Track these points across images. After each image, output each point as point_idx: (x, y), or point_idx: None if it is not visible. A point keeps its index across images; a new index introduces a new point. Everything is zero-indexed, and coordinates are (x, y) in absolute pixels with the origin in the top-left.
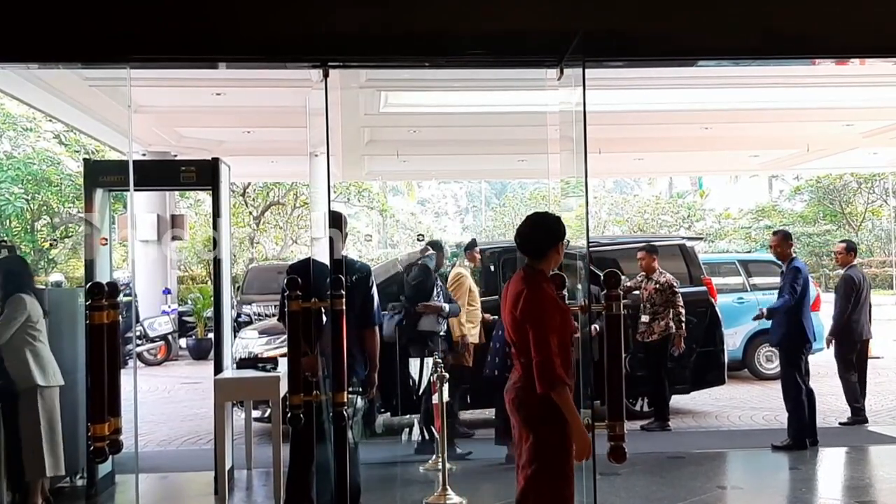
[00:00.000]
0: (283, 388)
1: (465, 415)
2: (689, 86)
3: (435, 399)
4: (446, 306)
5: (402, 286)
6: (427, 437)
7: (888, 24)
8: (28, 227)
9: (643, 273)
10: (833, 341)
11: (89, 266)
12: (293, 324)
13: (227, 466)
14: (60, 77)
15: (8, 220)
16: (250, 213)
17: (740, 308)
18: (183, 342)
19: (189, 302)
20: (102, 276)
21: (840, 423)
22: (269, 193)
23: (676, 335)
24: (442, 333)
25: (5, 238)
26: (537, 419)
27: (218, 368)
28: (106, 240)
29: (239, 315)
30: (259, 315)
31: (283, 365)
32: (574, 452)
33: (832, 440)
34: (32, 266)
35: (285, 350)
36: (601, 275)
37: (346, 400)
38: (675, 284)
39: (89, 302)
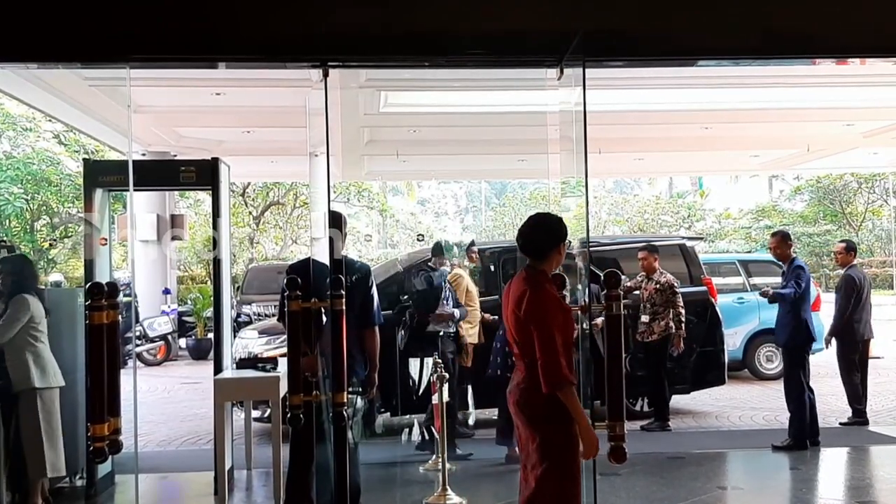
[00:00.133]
0: (283, 388)
1: (464, 415)
2: (689, 86)
3: (435, 399)
4: (456, 312)
5: (402, 286)
6: (428, 436)
7: (888, 23)
8: (27, 227)
9: (643, 273)
10: (833, 341)
11: (89, 266)
12: (293, 324)
13: (227, 467)
14: (60, 77)
15: (7, 220)
16: (250, 213)
17: (740, 308)
18: (182, 342)
19: (189, 302)
20: (102, 277)
21: (840, 424)
22: (269, 193)
23: (676, 335)
24: (451, 334)
25: (5, 238)
26: (542, 419)
27: (218, 368)
28: (105, 240)
29: (239, 315)
30: (259, 315)
31: (282, 365)
32: (582, 451)
33: (833, 440)
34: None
35: (285, 350)
36: (601, 275)
37: (345, 400)
38: (675, 284)
39: (89, 302)
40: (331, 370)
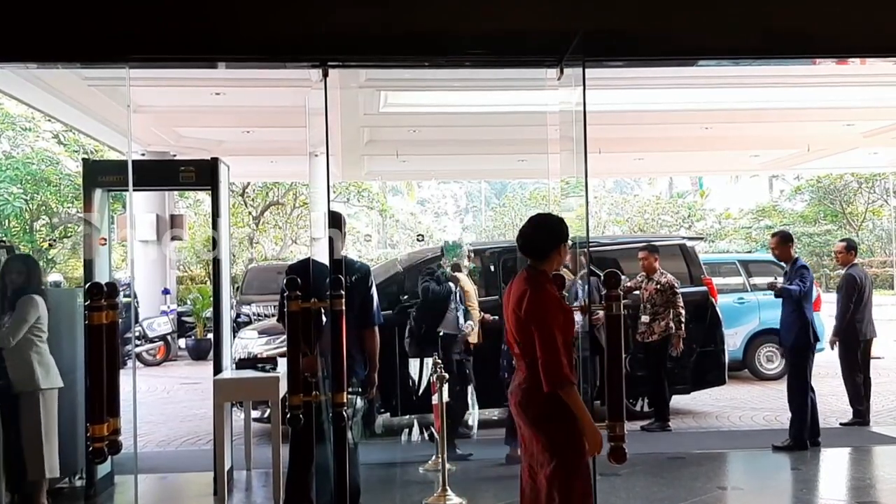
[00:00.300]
0: (283, 388)
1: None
2: (690, 86)
3: (435, 399)
4: (468, 326)
5: (403, 286)
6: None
7: (888, 23)
8: (27, 227)
9: (643, 273)
10: (837, 342)
11: (88, 266)
12: (293, 324)
13: (227, 467)
14: (59, 77)
15: (7, 220)
16: (250, 213)
17: (741, 308)
18: (182, 342)
19: (188, 302)
20: (101, 277)
21: (841, 424)
22: (269, 193)
23: (676, 336)
24: (457, 336)
25: (4, 238)
26: (544, 418)
27: (217, 369)
28: (105, 240)
29: (238, 315)
30: (258, 315)
31: (282, 365)
32: (586, 448)
33: (833, 441)
34: None
35: (285, 350)
36: (601, 275)
37: (345, 400)
38: (675, 285)
39: (88, 302)
40: (330, 370)
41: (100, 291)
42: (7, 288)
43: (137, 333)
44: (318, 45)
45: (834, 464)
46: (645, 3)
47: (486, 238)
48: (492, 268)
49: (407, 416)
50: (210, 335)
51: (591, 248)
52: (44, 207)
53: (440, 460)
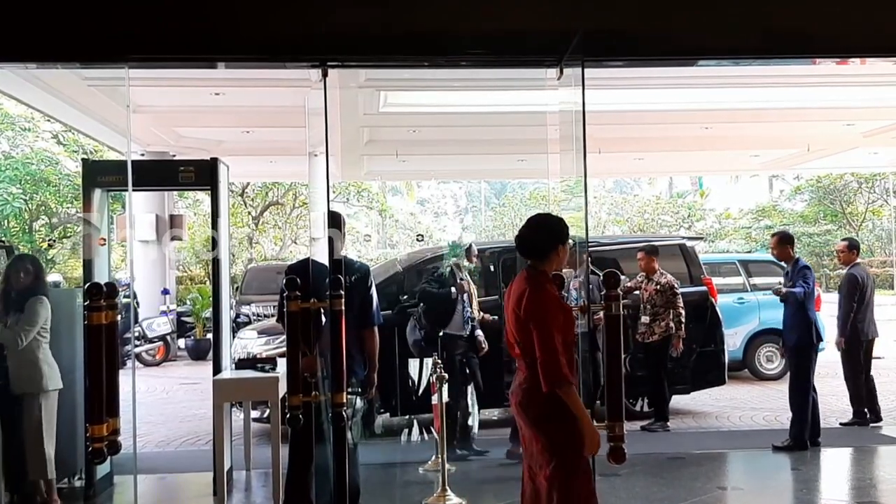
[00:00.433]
0: (282, 388)
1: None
2: (689, 85)
3: (434, 399)
4: (479, 335)
5: (402, 286)
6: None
7: (888, 23)
8: (26, 227)
9: (643, 273)
10: (843, 342)
11: (88, 266)
12: (292, 324)
13: (226, 467)
14: (59, 77)
15: (6, 221)
16: (249, 213)
17: (741, 308)
18: (181, 343)
19: (188, 302)
20: (101, 277)
21: (841, 424)
22: (268, 193)
23: (676, 336)
24: (466, 335)
25: (3, 238)
26: (544, 418)
27: (217, 369)
28: (104, 240)
29: (238, 315)
30: (258, 315)
31: (282, 365)
32: (585, 447)
33: (833, 441)
34: None
35: (284, 350)
36: (600, 275)
37: (345, 400)
38: (675, 285)
39: (87, 302)
40: (330, 370)
41: (99, 292)
42: (12, 288)
43: (137, 334)
44: (317, 45)
45: (834, 464)
46: (645, 3)
47: (486, 238)
48: (491, 268)
49: (407, 416)
50: (209, 335)
51: (591, 249)
52: (43, 208)
53: (440, 460)
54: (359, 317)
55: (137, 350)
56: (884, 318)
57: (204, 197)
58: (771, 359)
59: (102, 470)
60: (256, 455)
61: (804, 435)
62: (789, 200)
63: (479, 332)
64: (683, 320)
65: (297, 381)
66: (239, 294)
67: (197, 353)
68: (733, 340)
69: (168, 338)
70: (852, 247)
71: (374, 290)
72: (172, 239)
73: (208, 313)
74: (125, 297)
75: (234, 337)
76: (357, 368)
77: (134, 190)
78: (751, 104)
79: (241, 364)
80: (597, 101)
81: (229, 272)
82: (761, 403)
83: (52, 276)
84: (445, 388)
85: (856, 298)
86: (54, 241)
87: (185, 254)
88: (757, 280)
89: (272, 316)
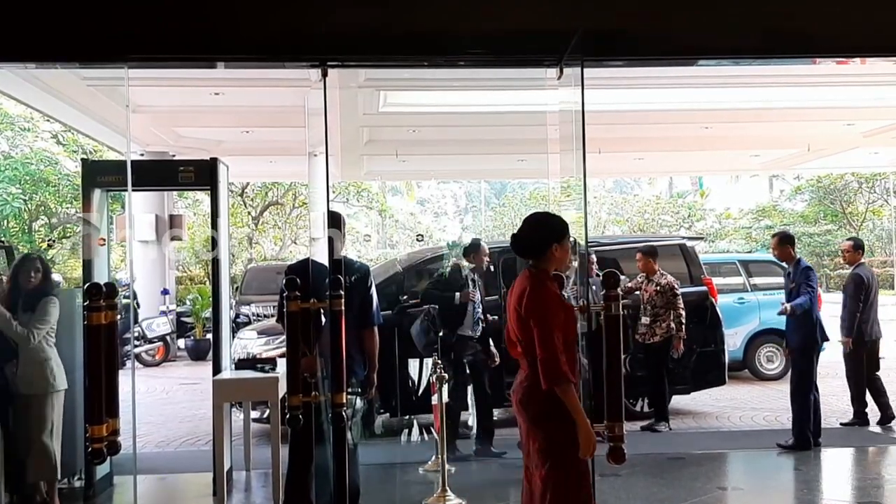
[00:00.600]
0: (282, 388)
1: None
2: (689, 85)
3: (434, 399)
4: (493, 352)
5: (402, 286)
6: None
7: (888, 23)
8: (26, 227)
9: (643, 274)
10: (849, 342)
11: (87, 266)
12: (292, 324)
13: (226, 468)
14: (58, 77)
15: (6, 221)
16: (249, 213)
17: (741, 308)
18: (181, 343)
19: (187, 302)
20: (100, 277)
21: (842, 424)
22: (268, 193)
23: (676, 337)
24: (477, 336)
25: (3, 238)
26: (543, 416)
27: (216, 369)
28: (104, 240)
29: (237, 315)
30: (258, 315)
31: (281, 365)
32: (580, 449)
33: (834, 441)
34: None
35: (284, 351)
36: (600, 275)
37: (345, 401)
38: (675, 286)
39: (87, 303)
40: (330, 371)
41: (98, 292)
42: (21, 288)
43: (136, 334)
44: (317, 45)
45: (834, 464)
46: (645, 3)
47: (486, 238)
48: (492, 268)
49: (407, 417)
50: (209, 335)
51: (590, 249)
52: (42, 208)
53: (440, 461)
54: (359, 317)
55: (137, 350)
56: (884, 318)
57: (203, 197)
58: (771, 359)
59: (102, 470)
60: (256, 455)
61: (807, 434)
62: (789, 200)
63: (490, 341)
64: (684, 321)
65: (296, 381)
66: (239, 294)
67: (196, 354)
68: (733, 340)
69: (168, 338)
70: (857, 246)
71: (374, 291)
72: (172, 239)
73: (208, 313)
74: (125, 297)
75: (233, 337)
76: (357, 369)
77: (133, 190)
78: (751, 104)
79: (240, 364)
80: (597, 101)
81: (229, 272)
82: (761, 403)
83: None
84: (445, 388)
85: (861, 298)
86: (54, 241)
87: (185, 254)
88: (757, 280)
89: (272, 316)
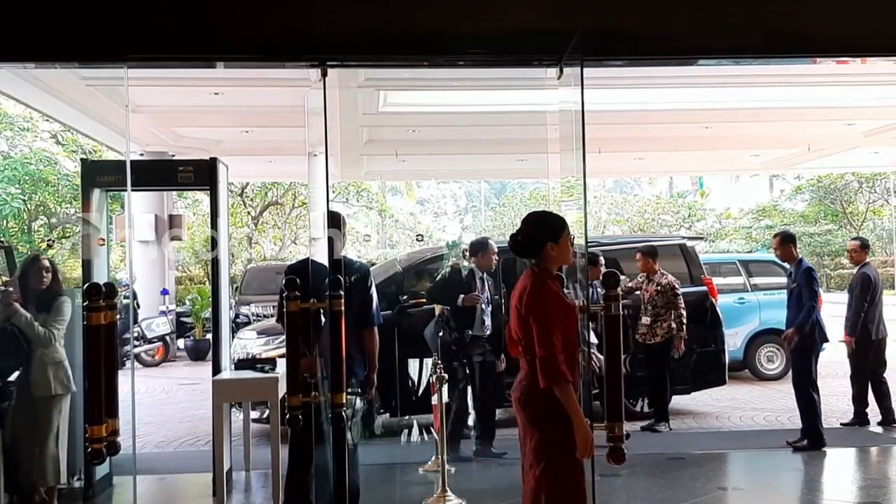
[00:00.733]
0: (282, 389)
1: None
2: (690, 85)
3: (434, 400)
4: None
5: (401, 286)
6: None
7: (888, 23)
8: (25, 227)
9: (644, 274)
10: (853, 342)
11: (87, 267)
12: (292, 324)
13: (226, 468)
14: (58, 77)
15: (5, 221)
16: (248, 213)
17: (741, 308)
18: (181, 343)
19: (187, 302)
20: (100, 277)
21: (842, 424)
22: (268, 193)
23: (677, 337)
24: (486, 337)
25: (2, 239)
26: (542, 416)
27: (216, 369)
28: (104, 240)
29: (237, 315)
30: (257, 315)
31: (281, 366)
32: (577, 449)
33: (834, 441)
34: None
35: (284, 351)
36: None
37: (345, 401)
38: (676, 286)
39: (87, 303)
40: (330, 371)
41: (98, 292)
42: (33, 288)
43: (136, 334)
44: (317, 45)
45: (835, 464)
46: (645, 2)
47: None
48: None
49: (407, 417)
50: (209, 336)
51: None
52: (42, 208)
53: (440, 461)
54: (359, 317)
55: (137, 350)
56: (886, 318)
57: (203, 197)
58: (771, 359)
59: (101, 471)
60: (256, 456)
61: (820, 431)
62: (790, 200)
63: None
64: (685, 321)
65: (296, 381)
66: (238, 294)
67: (196, 354)
68: (734, 340)
69: (167, 338)
70: (864, 246)
71: (374, 291)
72: (172, 239)
73: (207, 313)
74: (125, 297)
75: (233, 337)
76: (357, 369)
77: (133, 190)
78: (751, 104)
79: (240, 364)
80: (597, 101)
81: (229, 272)
82: (762, 404)
83: None
84: (445, 388)
85: (867, 298)
86: (53, 241)
87: (185, 254)
88: (757, 280)
89: (272, 316)
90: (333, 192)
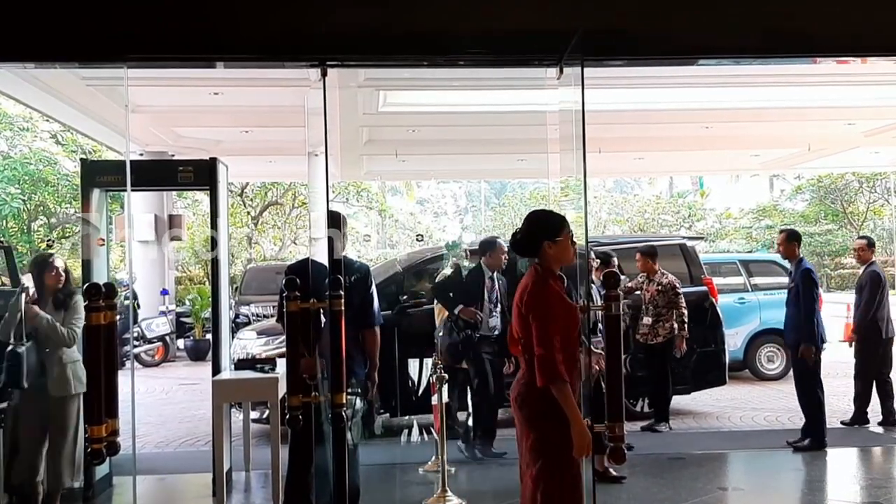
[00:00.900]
0: (282, 389)
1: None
2: (690, 85)
3: (434, 400)
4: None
5: (402, 286)
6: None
7: (888, 23)
8: (25, 227)
9: (644, 274)
10: (858, 339)
11: (87, 267)
12: (292, 324)
13: (226, 468)
14: (57, 77)
15: (4, 221)
16: (248, 213)
17: (741, 308)
18: (181, 343)
19: (187, 302)
20: (100, 277)
21: (842, 423)
22: (268, 193)
23: (679, 336)
24: (494, 337)
25: (2, 238)
26: (540, 415)
27: (216, 369)
28: (103, 240)
29: (237, 316)
30: (257, 316)
31: (281, 366)
32: (574, 448)
33: (835, 441)
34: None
35: (284, 351)
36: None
37: (345, 401)
38: (677, 286)
39: (86, 303)
40: (330, 371)
41: (98, 292)
42: (47, 286)
43: (136, 334)
44: (317, 45)
45: (836, 464)
46: (645, 2)
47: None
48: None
49: (407, 417)
50: (209, 336)
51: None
52: (42, 208)
53: (440, 461)
54: (359, 317)
55: (136, 350)
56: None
57: (203, 197)
58: (772, 359)
59: (101, 471)
60: (256, 456)
61: (823, 432)
62: (790, 200)
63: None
64: (686, 321)
65: (296, 381)
66: (238, 294)
67: (196, 354)
68: (734, 340)
69: (167, 338)
70: (871, 244)
71: (374, 290)
72: (171, 239)
73: (207, 314)
74: (125, 297)
75: (233, 337)
76: (357, 369)
77: (133, 190)
78: (751, 104)
79: (240, 364)
80: (597, 101)
81: (228, 272)
82: (762, 404)
83: None
84: (445, 388)
85: (877, 297)
86: (53, 241)
87: (185, 254)
88: (758, 280)
89: (272, 316)
90: (333, 192)
